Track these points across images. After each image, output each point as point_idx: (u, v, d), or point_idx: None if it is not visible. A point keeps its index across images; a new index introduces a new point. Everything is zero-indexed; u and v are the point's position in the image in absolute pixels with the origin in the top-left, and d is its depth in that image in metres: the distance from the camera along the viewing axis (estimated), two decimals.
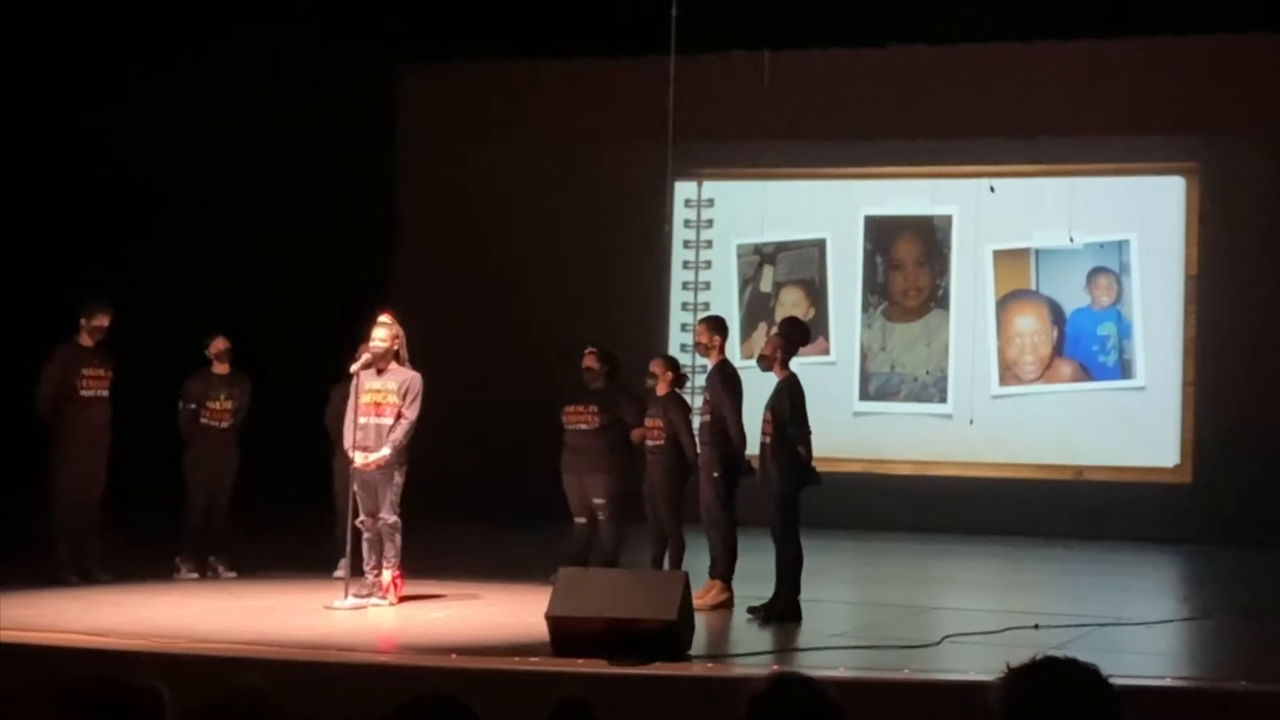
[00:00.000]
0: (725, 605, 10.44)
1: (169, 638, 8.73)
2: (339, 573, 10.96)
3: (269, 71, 16.42)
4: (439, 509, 14.05)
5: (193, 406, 11.91)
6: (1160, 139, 16.38)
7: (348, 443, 10.43)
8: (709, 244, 17.65)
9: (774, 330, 11.63)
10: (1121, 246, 16.56)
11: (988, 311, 16.90)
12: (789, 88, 16.64)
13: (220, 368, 12.03)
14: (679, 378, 11.32)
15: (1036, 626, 9.71)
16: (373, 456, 10.32)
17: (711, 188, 17.68)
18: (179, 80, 16.15)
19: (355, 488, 10.41)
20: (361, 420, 10.36)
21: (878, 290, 17.29)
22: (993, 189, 16.61)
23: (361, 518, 10.40)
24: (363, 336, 10.53)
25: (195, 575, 11.65)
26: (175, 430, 11.94)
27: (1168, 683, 8.12)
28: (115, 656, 8.13)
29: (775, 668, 8.19)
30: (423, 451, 11.00)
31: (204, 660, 8.11)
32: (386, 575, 10.39)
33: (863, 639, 9.27)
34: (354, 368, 10.43)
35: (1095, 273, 16.63)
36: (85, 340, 11.33)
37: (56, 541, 11.10)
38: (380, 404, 10.38)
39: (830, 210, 17.37)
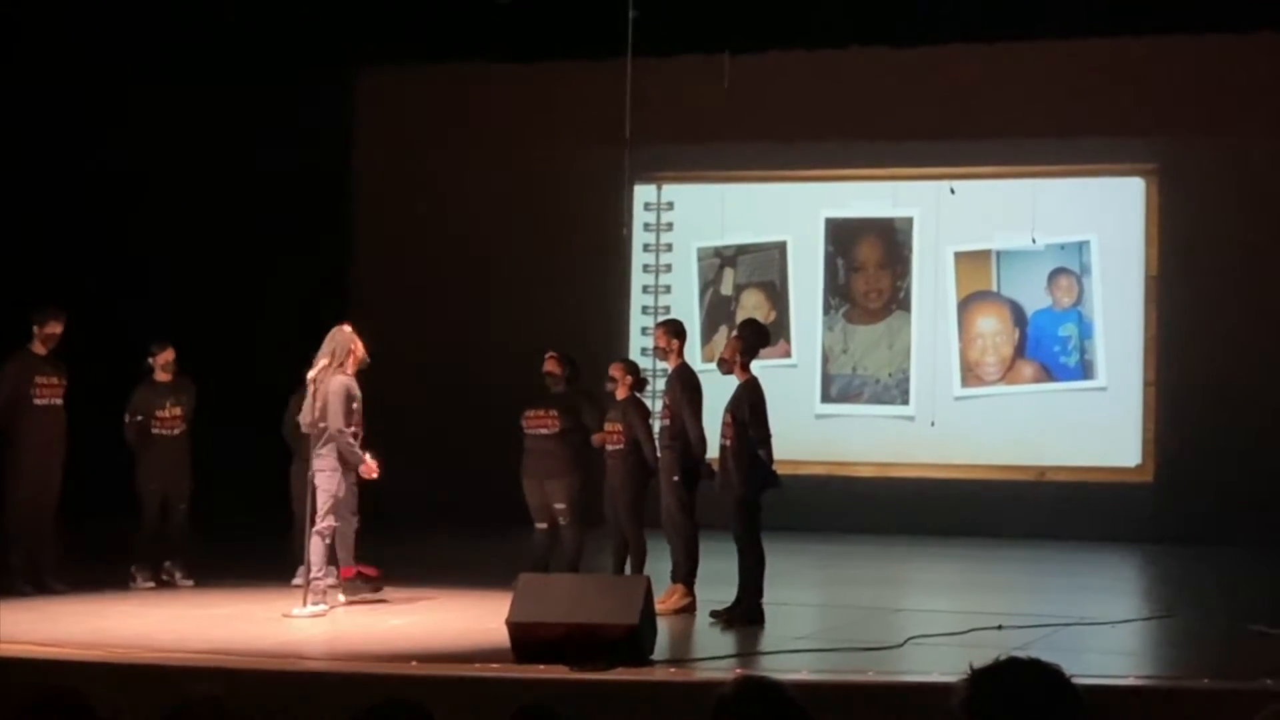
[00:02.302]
0: (687, 609, 10.41)
1: (125, 647, 8.64)
2: (297, 580, 10.87)
3: (226, 75, 16.30)
4: (399, 515, 13.98)
5: (140, 418, 11.76)
6: (1120, 140, 16.42)
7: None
8: (669, 247, 17.59)
9: (734, 333, 11.59)
10: (1082, 247, 16.59)
11: (949, 313, 16.90)
12: (749, 90, 16.60)
13: (164, 376, 11.90)
14: (638, 381, 11.27)
15: (1000, 627, 9.70)
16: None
17: (671, 190, 17.63)
18: (134, 85, 16.02)
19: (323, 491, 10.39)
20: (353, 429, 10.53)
21: (839, 292, 17.27)
22: (953, 191, 16.62)
23: (322, 525, 10.32)
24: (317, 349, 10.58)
25: (151, 584, 11.54)
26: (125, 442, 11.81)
27: (1131, 682, 8.13)
28: (71, 667, 8.04)
29: (739, 671, 8.15)
30: (385, 456, 10.95)
31: (161, 670, 8.03)
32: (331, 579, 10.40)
33: (826, 641, 9.25)
34: (350, 371, 10.49)
35: (1056, 273, 16.65)
36: (38, 348, 11.20)
37: (10, 551, 10.98)
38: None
39: (791, 213, 17.35)
